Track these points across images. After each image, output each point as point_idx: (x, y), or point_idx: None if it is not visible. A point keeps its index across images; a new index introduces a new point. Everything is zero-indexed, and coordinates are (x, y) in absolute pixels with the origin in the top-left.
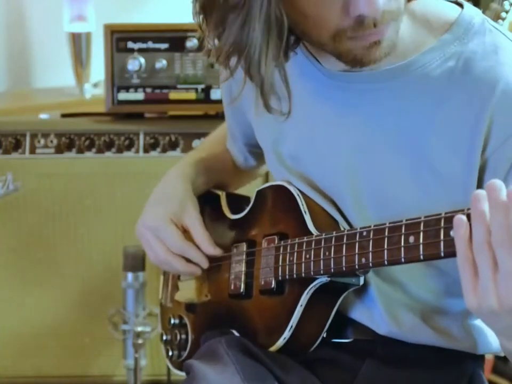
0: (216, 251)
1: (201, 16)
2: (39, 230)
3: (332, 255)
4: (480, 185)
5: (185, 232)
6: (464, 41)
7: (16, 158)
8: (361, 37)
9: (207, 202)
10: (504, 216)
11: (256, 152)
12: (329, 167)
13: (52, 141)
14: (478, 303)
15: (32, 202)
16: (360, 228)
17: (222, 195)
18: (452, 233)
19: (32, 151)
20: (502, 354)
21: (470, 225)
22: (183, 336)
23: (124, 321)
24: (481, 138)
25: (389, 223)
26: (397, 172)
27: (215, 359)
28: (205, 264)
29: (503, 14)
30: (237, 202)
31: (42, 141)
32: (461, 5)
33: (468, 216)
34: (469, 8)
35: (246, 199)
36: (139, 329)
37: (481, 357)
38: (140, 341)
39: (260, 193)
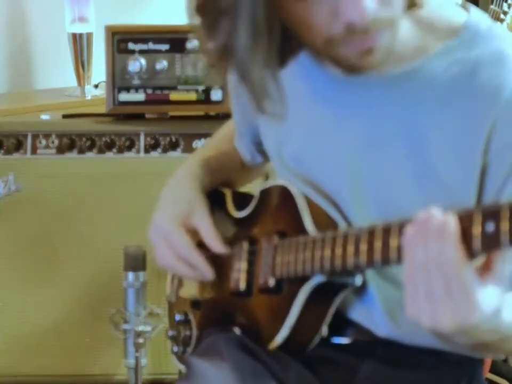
0: (226, 250)
1: (195, 19)
2: (41, 230)
3: (327, 255)
4: (481, 189)
5: (195, 233)
6: (471, 47)
7: (17, 159)
8: (353, 44)
9: (213, 200)
10: (438, 245)
11: (263, 149)
12: (331, 169)
13: (53, 142)
14: (415, 317)
15: (34, 202)
16: (354, 229)
17: (228, 193)
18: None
19: (34, 151)
20: (502, 357)
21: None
22: (187, 333)
23: (125, 321)
24: (482, 143)
25: (382, 225)
26: (399, 174)
27: (214, 356)
28: (209, 274)
29: (502, 16)
30: (242, 200)
31: (43, 142)
32: (468, 10)
33: None
34: (476, 13)
35: (250, 198)
36: (140, 328)
37: (481, 360)
38: (141, 340)
39: (263, 193)
